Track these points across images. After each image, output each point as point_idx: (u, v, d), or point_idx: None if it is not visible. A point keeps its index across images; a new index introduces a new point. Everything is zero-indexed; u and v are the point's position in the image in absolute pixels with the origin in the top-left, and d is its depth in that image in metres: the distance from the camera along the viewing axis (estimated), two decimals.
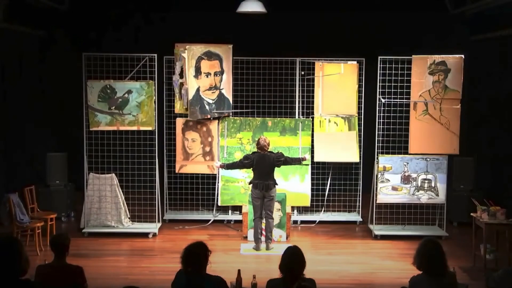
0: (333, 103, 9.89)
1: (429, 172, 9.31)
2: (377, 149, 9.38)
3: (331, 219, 10.18)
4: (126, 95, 9.17)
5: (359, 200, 10.23)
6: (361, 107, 10.01)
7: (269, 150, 8.63)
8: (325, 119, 9.98)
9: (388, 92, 9.38)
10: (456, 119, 9.23)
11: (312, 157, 9.83)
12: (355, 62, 9.90)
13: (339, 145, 9.89)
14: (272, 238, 8.71)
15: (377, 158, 9.35)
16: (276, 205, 8.91)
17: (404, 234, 9.29)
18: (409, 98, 9.27)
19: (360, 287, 7.34)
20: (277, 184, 8.63)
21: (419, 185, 9.34)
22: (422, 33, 10.85)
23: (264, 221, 8.65)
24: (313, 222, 10.07)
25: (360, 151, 10.05)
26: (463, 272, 7.59)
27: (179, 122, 9.73)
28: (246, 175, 9.70)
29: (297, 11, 10.99)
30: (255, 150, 8.77)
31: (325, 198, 10.18)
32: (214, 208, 10.14)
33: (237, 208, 10.14)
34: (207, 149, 9.90)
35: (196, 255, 4.66)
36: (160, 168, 9.83)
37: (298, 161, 8.88)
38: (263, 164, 8.52)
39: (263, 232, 8.68)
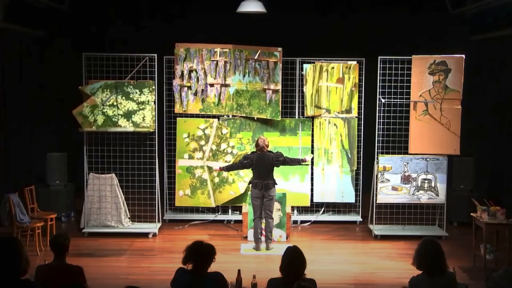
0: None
1: (429, 172, 9.31)
2: (377, 149, 9.39)
3: (331, 219, 10.18)
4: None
5: (359, 200, 10.22)
6: (361, 107, 10.01)
7: (268, 150, 8.63)
8: (325, 120, 9.98)
9: (388, 92, 9.39)
10: (457, 119, 9.21)
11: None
12: (355, 62, 9.91)
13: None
14: (272, 238, 8.71)
15: (377, 158, 9.35)
16: (276, 205, 8.91)
17: (404, 234, 9.30)
18: (409, 98, 9.27)
19: (360, 287, 7.35)
20: (276, 184, 8.63)
21: (419, 185, 9.34)
22: (422, 33, 10.84)
23: (264, 221, 8.65)
24: (315, 222, 10.08)
25: (360, 151, 10.09)
26: (463, 272, 7.59)
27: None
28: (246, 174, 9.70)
29: (297, 11, 10.98)
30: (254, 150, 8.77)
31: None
32: (220, 208, 10.15)
33: (237, 208, 10.15)
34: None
35: (202, 258, 4.67)
36: (160, 168, 9.84)
37: (297, 162, 8.86)
38: (262, 164, 8.51)
39: (263, 232, 8.68)
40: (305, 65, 9.82)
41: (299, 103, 10.04)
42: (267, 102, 9.58)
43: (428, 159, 9.30)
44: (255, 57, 9.54)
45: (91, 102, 9.10)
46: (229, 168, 9.00)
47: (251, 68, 9.58)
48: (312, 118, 9.96)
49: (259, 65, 9.59)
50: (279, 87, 9.51)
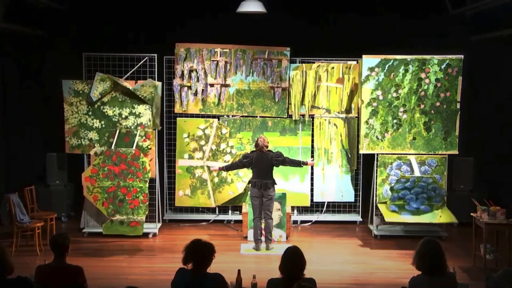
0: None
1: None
2: None
3: (331, 219, 10.19)
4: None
5: (359, 200, 10.23)
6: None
7: (268, 149, 8.61)
8: (325, 120, 9.99)
9: None
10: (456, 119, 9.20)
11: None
12: (355, 62, 9.92)
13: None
14: (272, 238, 8.71)
15: (377, 159, 9.35)
16: (276, 205, 8.90)
17: (404, 234, 9.29)
18: None
19: (360, 287, 7.35)
20: (276, 184, 8.62)
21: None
22: (422, 33, 10.83)
23: (263, 221, 8.65)
24: (315, 222, 10.08)
25: (358, 159, 10.10)
26: (463, 272, 7.59)
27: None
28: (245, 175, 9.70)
29: (297, 11, 10.97)
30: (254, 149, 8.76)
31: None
32: (217, 209, 10.16)
33: (237, 208, 10.15)
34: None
35: (202, 255, 4.67)
36: (160, 169, 9.83)
37: (298, 164, 8.78)
38: (261, 163, 8.50)
39: (263, 232, 8.68)
40: (292, 66, 9.88)
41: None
42: (276, 100, 9.75)
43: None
44: (265, 56, 9.64)
45: (70, 131, 9.21)
46: (228, 168, 8.99)
47: (259, 68, 9.68)
48: (313, 117, 9.98)
49: (266, 64, 9.69)
50: (287, 85, 9.73)
